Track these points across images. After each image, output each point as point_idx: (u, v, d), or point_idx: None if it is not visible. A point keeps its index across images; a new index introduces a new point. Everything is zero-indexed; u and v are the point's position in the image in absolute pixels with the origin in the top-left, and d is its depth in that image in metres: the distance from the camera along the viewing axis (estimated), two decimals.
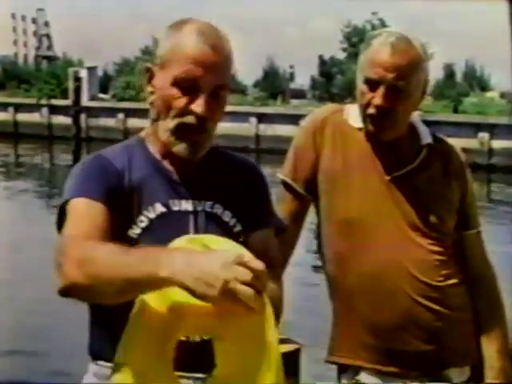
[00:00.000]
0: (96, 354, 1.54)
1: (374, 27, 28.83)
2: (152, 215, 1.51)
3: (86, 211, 1.44)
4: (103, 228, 1.42)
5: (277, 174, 2.07)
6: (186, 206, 1.53)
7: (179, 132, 1.50)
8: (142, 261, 1.28)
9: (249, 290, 1.20)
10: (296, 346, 2.12)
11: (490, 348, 2.01)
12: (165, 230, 1.47)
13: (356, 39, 31.16)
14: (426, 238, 1.95)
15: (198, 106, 1.47)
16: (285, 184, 2.03)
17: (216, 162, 1.61)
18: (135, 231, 1.49)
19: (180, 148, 1.51)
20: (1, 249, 9.38)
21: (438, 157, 2.02)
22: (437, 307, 1.93)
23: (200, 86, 1.47)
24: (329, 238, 2.00)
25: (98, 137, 23.67)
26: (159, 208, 1.51)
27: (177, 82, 1.48)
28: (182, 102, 1.48)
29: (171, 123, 1.50)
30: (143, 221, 1.50)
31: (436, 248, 1.96)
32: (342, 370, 2.01)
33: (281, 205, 2.03)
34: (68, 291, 1.36)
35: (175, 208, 1.52)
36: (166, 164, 1.56)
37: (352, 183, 1.96)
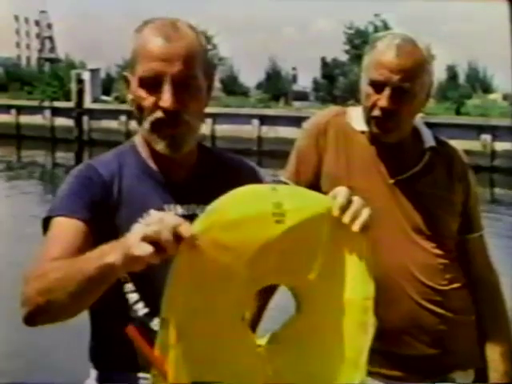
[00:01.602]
0: (97, 360, 1.53)
1: (376, 29, 28.86)
2: None
3: (59, 232, 1.42)
4: (76, 248, 1.39)
5: (279, 177, 2.06)
6: (183, 210, 1.52)
7: (155, 129, 1.49)
8: (87, 259, 1.27)
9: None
10: None
11: (493, 351, 2.00)
12: None
13: (358, 41, 31.19)
14: (429, 241, 1.95)
15: (164, 100, 1.46)
16: None
17: (210, 163, 1.59)
18: None
19: (161, 145, 1.50)
20: (3, 248, 9.39)
21: (442, 160, 2.01)
22: (441, 311, 1.93)
23: (162, 80, 1.46)
24: None
25: (100, 139, 23.69)
26: None
27: (142, 82, 1.48)
28: (149, 101, 1.48)
29: (146, 123, 1.49)
30: None
31: (439, 251, 1.95)
32: None
33: None
34: (31, 317, 1.33)
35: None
36: (158, 168, 1.55)
37: (355, 186, 1.94)
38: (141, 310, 1.47)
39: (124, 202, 1.50)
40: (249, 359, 1.26)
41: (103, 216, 1.45)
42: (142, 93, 1.48)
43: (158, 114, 1.47)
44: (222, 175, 1.58)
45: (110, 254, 1.22)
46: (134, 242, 1.17)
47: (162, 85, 1.46)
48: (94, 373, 1.54)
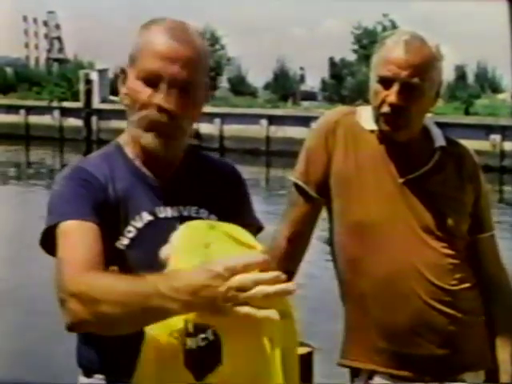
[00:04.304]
0: (86, 366, 1.52)
1: (384, 29, 28.82)
2: (139, 224, 1.48)
3: (79, 236, 1.40)
4: (98, 250, 1.38)
5: (288, 177, 2.06)
6: (172, 212, 1.51)
7: (144, 123, 1.47)
8: (145, 296, 1.23)
9: (246, 308, 1.17)
10: (309, 349, 2.11)
11: (504, 352, 1.99)
12: (152, 239, 1.43)
13: (367, 41, 31.15)
14: (439, 241, 1.93)
15: (159, 98, 1.45)
16: (297, 186, 2.02)
17: (197, 165, 1.59)
18: (123, 242, 1.47)
19: (147, 139, 1.48)
20: (9, 248, 9.41)
21: (452, 159, 2.00)
22: (450, 311, 1.92)
23: (162, 78, 1.45)
24: (341, 241, 1.99)
25: (108, 139, 23.54)
26: (146, 217, 1.49)
27: (141, 76, 1.47)
28: (144, 94, 1.46)
29: (136, 116, 1.48)
30: (131, 231, 1.48)
31: (449, 251, 1.94)
32: (355, 373, 1.99)
33: (292, 207, 2.02)
34: (76, 328, 1.34)
35: (161, 215, 1.50)
36: (147, 170, 1.53)
37: (365, 186, 1.95)
38: None
39: (120, 204, 1.49)
40: None
41: (104, 217, 1.44)
42: (139, 85, 1.47)
43: (153, 112, 1.45)
44: (205, 176, 1.58)
45: (172, 300, 1.20)
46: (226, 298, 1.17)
47: (160, 82, 1.45)
48: (83, 380, 1.53)
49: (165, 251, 1.31)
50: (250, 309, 1.17)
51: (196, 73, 1.47)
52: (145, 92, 1.46)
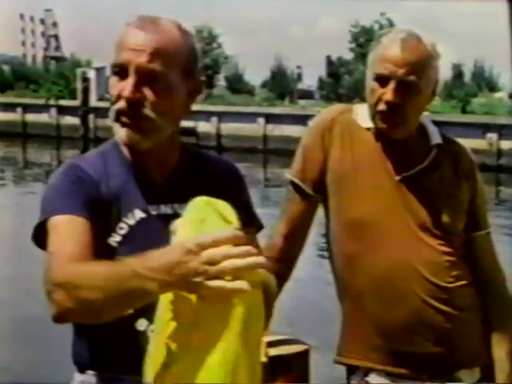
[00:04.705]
0: (81, 363, 1.52)
1: (381, 27, 28.82)
2: (132, 222, 1.48)
3: (68, 230, 1.41)
4: (86, 243, 1.39)
5: (285, 175, 2.06)
6: (166, 209, 1.51)
7: (115, 117, 1.48)
8: (123, 278, 1.25)
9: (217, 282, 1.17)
10: (305, 347, 2.11)
11: (500, 350, 2.00)
12: (145, 236, 1.44)
13: (364, 39, 31.18)
14: (435, 238, 1.94)
15: (124, 89, 1.45)
16: (293, 184, 2.02)
17: (194, 164, 1.58)
18: (115, 239, 1.47)
19: (121, 134, 1.48)
20: (9, 247, 9.42)
21: (448, 157, 2.01)
22: (447, 308, 1.92)
23: (128, 70, 1.45)
24: (338, 238, 1.99)
25: (106, 137, 23.52)
26: (138, 214, 1.49)
27: (113, 70, 1.48)
28: (116, 88, 1.47)
29: (112, 111, 1.48)
30: (123, 228, 1.48)
31: (446, 249, 1.95)
32: (351, 371, 2.00)
33: (289, 205, 2.02)
34: (62, 318, 1.34)
35: (154, 212, 1.50)
36: (142, 167, 1.53)
37: (361, 184, 1.95)
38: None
39: (112, 201, 1.49)
40: None
41: (96, 214, 1.44)
42: (113, 81, 1.48)
43: (120, 103, 1.46)
44: (203, 175, 1.57)
45: (148, 280, 1.21)
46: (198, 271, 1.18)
47: (127, 74, 1.45)
48: (78, 376, 1.53)
49: (175, 223, 1.32)
50: (221, 282, 1.18)
51: (163, 63, 1.46)
52: (116, 86, 1.47)
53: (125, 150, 1.55)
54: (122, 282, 1.24)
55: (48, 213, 1.44)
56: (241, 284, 1.19)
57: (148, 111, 1.45)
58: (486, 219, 2.07)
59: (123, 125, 1.47)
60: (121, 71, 1.46)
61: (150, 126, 1.47)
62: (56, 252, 1.38)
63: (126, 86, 1.44)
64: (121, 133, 1.48)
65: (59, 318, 1.33)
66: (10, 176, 18.75)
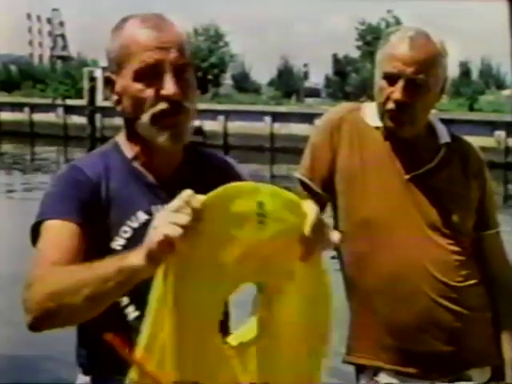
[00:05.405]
0: (85, 365, 1.51)
1: (388, 25, 28.79)
2: (135, 224, 1.47)
3: (52, 235, 1.40)
4: (70, 248, 1.38)
5: (294, 173, 2.06)
6: None
7: (157, 120, 1.45)
8: (104, 264, 1.24)
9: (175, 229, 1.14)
10: None
11: (510, 349, 1.99)
12: None
13: (370, 37, 31.15)
14: (445, 237, 1.93)
15: (167, 88, 1.43)
16: (302, 183, 2.01)
17: (194, 162, 1.57)
18: (119, 242, 1.46)
19: (163, 138, 1.45)
20: (13, 248, 9.43)
21: (457, 156, 2.00)
22: (456, 307, 1.92)
23: (162, 69, 1.43)
24: (346, 238, 1.98)
25: (112, 136, 23.60)
26: (142, 216, 1.47)
27: (138, 75, 1.44)
28: (149, 92, 1.44)
29: (146, 116, 1.45)
30: (127, 231, 1.46)
31: (455, 248, 1.94)
32: (361, 370, 1.99)
33: None
34: (37, 322, 1.31)
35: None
36: (146, 169, 1.52)
37: (370, 183, 1.95)
38: (131, 313, 1.45)
39: (112, 204, 1.47)
40: (218, 357, 1.24)
41: (93, 218, 1.43)
42: (139, 86, 1.44)
43: (163, 105, 1.43)
44: (206, 174, 1.55)
45: (130, 256, 1.20)
46: (155, 236, 1.15)
47: (162, 74, 1.43)
48: (81, 378, 1.52)
49: None
50: None
51: (187, 57, 1.47)
52: (148, 90, 1.43)
53: (126, 151, 1.53)
54: (103, 269, 1.23)
55: (41, 216, 1.44)
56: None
57: (187, 104, 1.46)
58: (496, 218, 2.07)
59: (166, 128, 1.45)
60: (149, 73, 1.43)
61: (188, 117, 1.48)
62: (38, 257, 1.38)
63: (169, 86, 1.42)
64: (162, 138, 1.45)
65: (35, 324, 1.31)
66: (18, 175, 18.80)
